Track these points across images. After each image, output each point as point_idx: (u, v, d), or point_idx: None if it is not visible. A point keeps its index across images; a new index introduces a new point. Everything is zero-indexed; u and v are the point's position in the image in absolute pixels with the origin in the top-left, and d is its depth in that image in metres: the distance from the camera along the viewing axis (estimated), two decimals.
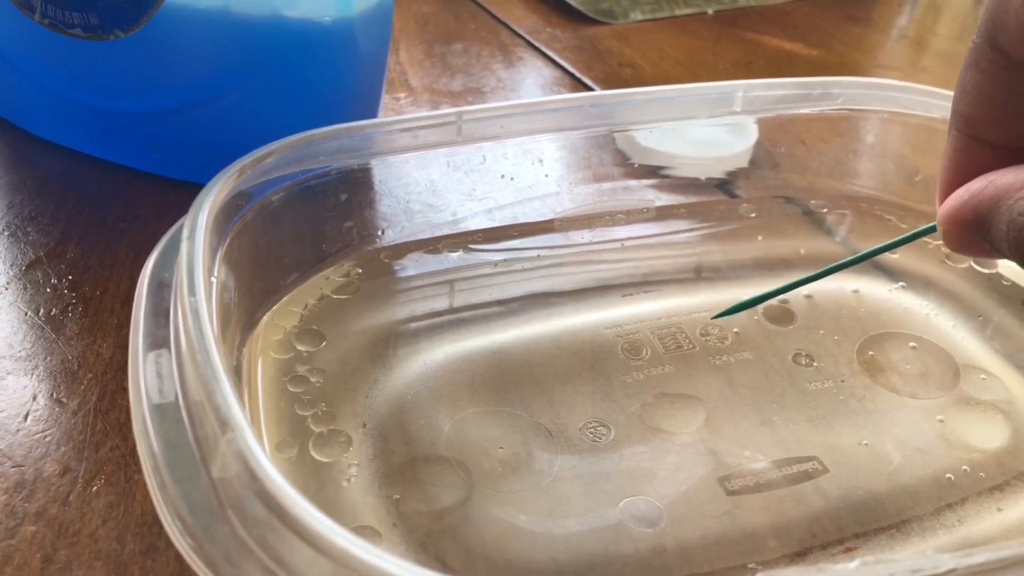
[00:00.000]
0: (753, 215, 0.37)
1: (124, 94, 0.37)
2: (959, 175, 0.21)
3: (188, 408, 0.20)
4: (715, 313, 0.29)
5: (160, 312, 0.24)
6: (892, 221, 0.37)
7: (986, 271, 0.34)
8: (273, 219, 0.29)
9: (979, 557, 0.18)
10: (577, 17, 0.61)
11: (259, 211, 0.28)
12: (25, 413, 0.27)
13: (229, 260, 0.27)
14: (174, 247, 0.26)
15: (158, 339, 0.23)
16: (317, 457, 0.25)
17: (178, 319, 0.22)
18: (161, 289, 0.25)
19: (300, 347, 0.29)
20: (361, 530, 0.23)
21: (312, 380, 0.28)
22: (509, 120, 0.32)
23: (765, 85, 0.35)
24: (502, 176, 0.35)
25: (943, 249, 0.35)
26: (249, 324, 0.28)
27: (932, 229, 0.23)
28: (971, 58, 0.20)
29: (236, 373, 0.26)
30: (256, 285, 0.29)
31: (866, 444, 0.27)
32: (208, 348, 0.20)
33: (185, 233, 0.24)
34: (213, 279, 0.24)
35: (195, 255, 0.23)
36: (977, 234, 0.20)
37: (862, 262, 0.26)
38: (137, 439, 0.20)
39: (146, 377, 0.21)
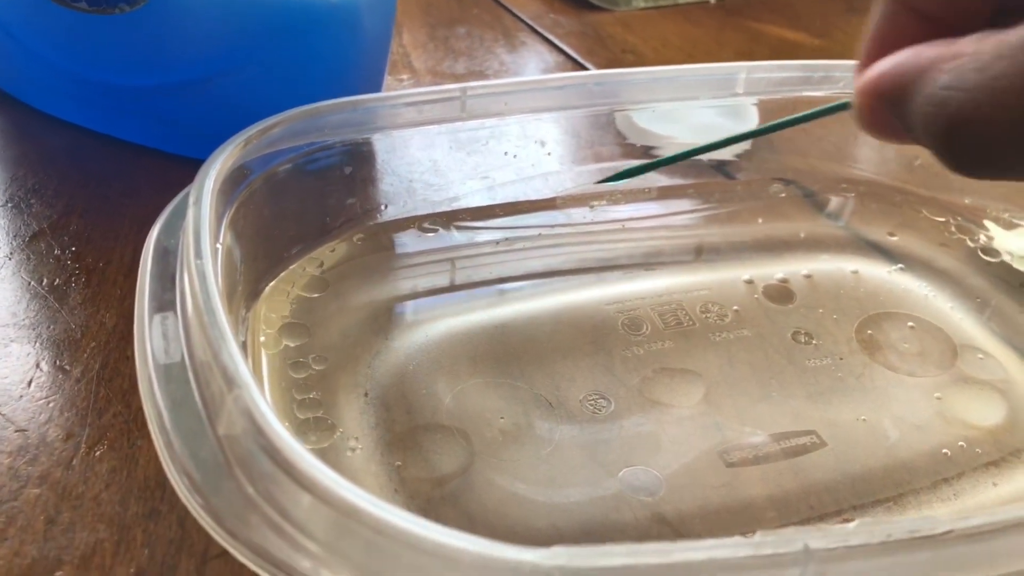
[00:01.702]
0: (753, 197, 0.37)
1: (128, 69, 0.37)
2: (885, 46, 0.19)
3: (194, 368, 0.20)
4: None
5: (166, 277, 0.24)
6: (891, 205, 0.37)
7: (991, 260, 0.34)
8: (278, 191, 0.29)
9: (975, 520, 0.18)
10: (580, 3, 0.61)
11: (264, 182, 0.29)
12: (29, 380, 0.28)
13: (234, 229, 0.27)
14: (179, 216, 0.26)
15: (164, 302, 0.23)
16: (317, 426, 0.25)
17: (184, 282, 0.22)
18: (166, 255, 0.25)
19: (302, 318, 0.29)
20: None
21: (314, 350, 0.28)
22: (513, 97, 0.32)
23: (768, 67, 0.35)
24: (504, 153, 0.35)
25: (943, 232, 0.35)
26: (253, 294, 0.29)
27: (846, 106, 0.21)
28: None
29: (239, 340, 0.27)
30: (260, 255, 0.29)
31: (864, 420, 0.27)
32: (214, 309, 0.20)
33: (192, 199, 0.24)
34: (218, 245, 0.25)
35: (201, 220, 0.23)
36: (892, 110, 0.18)
37: (760, 135, 0.25)
38: (143, 399, 0.21)
39: (152, 338, 0.22)
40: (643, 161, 0.26)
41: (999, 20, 0.18)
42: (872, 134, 0.19)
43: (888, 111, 0.18)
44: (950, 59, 0.17)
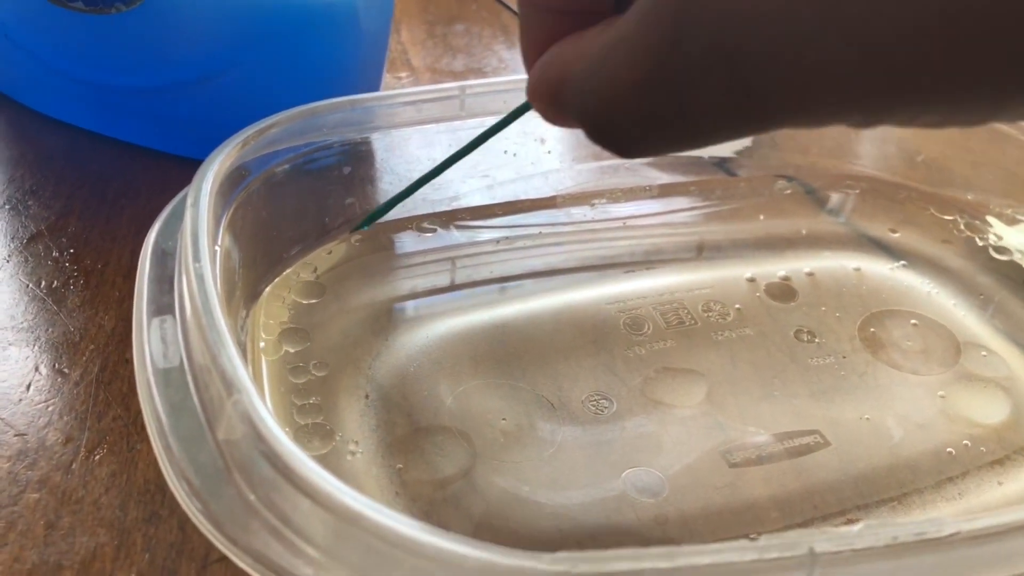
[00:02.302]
0: (755, 194, 0.37)
1: (125, 69, 0.36)
2: (535, 45, 0.19)
3: (193, 372, 0.20)
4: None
5: (164, 280, 0.24)
6: (894, 201, 0.37)
7: (994, 256, 0.34)
8: (276, 191, 0.29)
9: (982, 522, 0.18)
10: None
11: (262, 183, 0.28)
12: (27, 383, 0.27)
13: (233, 230, 0.27)
14: (177, 218, 0.26)
15: (162, 306, 0.23)
16: (318, 429, 0.25)
17: (182, 285, 0.22)
18: (164, 258, 0.25)
19: (301, 321, 0.29)
20: None
21: (313, 352, 0.28)
22: (512, 95, 0.32)
23: None
24: (504, 152, 0.35)
25: (945, 229, 0.35)
26: (252, 296, 0.28)
27: (529, 106, 0.21)
28: None
29: (239, 344, 0.26)
30: (259, 257, 0.29)
31: (867, 419, 0.27)
32: (213, 312, 0.20)
33: (189, 201, 0.24)
34: (217, 247, 0.24)
35: (199, 222, 0.23)
36: (557, 110, 0.18)
37: (478, 145, 0.26)
38: (142, 403, 0.20)
39: (150, 342, 0.21)
40: (381, 204, 0.27)
41: None
42: (563, 127, 0.20)
43: (556, 111, 0.19)
44: (577, 60, 0.17)
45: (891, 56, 0.12)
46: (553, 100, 0.18)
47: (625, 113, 0.16)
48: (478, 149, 0.36)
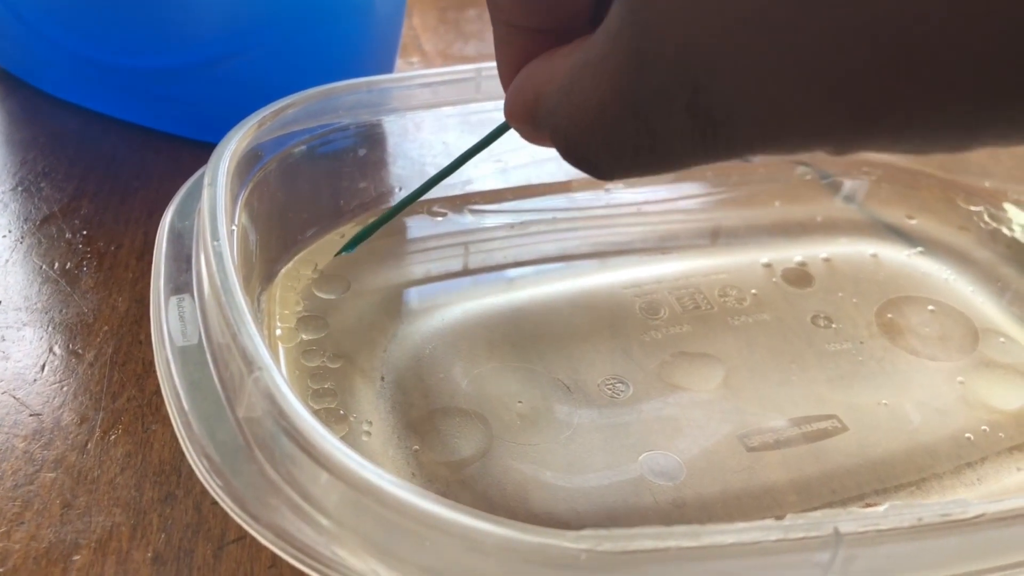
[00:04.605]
0: (770, 180, 0.37)
1: (139, 51, 0.36)
2: (511, 63, 0.19)
3: (212, 350, 0.20)
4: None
5: (181, 259, 0.23)
6: (910, 188, 0.37)
7: (1012, 242, 0.34)
8: (292, 173, 0.29)
9: (1007, 504, 0.18)
10: None
11: (278, 164, 0.28)
12: (42, 364, 0.27)
13: (249, 211, 0.26)
14: (193, 198, 0.26)
15: (180, 284, 0.22)
16: (332, 414, 0.25)
17: (200, 264, 0.22)
18: (181, 238, 0.24)
19: (316, 304, 0.29)
20: None
21: (329, 334, 0.28)
22: None
23: None
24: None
25: (962, 215, 0.35)
26: (268, 276, 0.28)
27: (508, 126, 0.21)
28: None
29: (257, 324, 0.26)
30: (275, 238, 0.29)
31: (885, 404, 0.27)
32: (232, 290, 0.20)
33: (207, 180, 0.24)
34: (233, 227, 0.24)
35: (217, 201, 0.23)
36: (533, 130, 0.18)
37: (452, 171, 0.25)
38: (161, 381, 0.20)
39: (168, 321, 0.21)
40: (363, 227, 0.26)
41: (600, 12, 0.18)
42: (541, 146, 0.19)
43: (531, 131, 0.18)
44: (549, 80, 0.17)
45: (855, 93, 0.12)
46: (528, 120, 0.18)
47: (594, 137, 0.15)
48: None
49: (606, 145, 0.15)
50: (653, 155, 0.15)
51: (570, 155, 0.17)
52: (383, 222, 0.26)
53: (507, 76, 0.19)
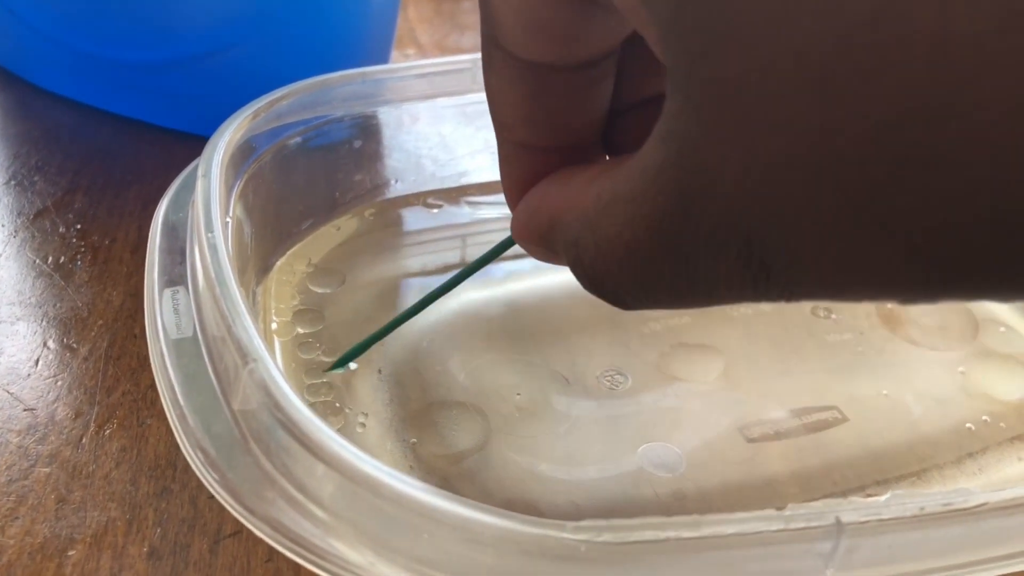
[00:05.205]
0: None
1: (132, 44, 0.36)
2: (518, 182, 0.18)
3: (207, 343, 0.20)
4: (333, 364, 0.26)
5: (175, 252, 0.23)
6: None
7: None
8: (287, 165, 0.29)
9: (1009, 493, 0.18)
10: None
11: (273, 156, 0.28)
12: (36, 358, 0.27)
13: (244, 203, 0.26)
14: (187, 191, 0.26)
15: (174, 277, 0.22)
16: (328, 407, 0.25)
17: (195, 256, 0.22)
18: (175, 231, 0.24)
19: (312, 297, 0.29)
20: None
21: (325, 327, 0.27)
22: None
23: None
24: None
25: None
26: (263, 269, 0.28)
27: (512, 242, 0.20)
28: (485, 60, 0.17)
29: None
30: (269, 230, 0.29)
31: (886, 394, 0.27)
32: (227, 282, 0.20)
33: (200, 171, 0.23)
34: (228, 220, 0.24)
35: (211, 192, 0.23)
36: (546, 254, 0.18)
37: (458, 283, 0.24)
38: (155, 374, 0.20)
39: (163, 313, 0.21)
40: (354, 345, 0.25)
41: (616, 126, 0.18)
42: (550, 263, 0.18)
43: (544, 255, 0.18)
44: (567, 209, 0.16)
45: (945, 252, 0.11)
46: (541, 244, 0.17)
47: (623, 274, 0.14)
48: (487, 126, 0.35)
49: (637, 284, 0.14)
50: (691, 295, 0.14)
51: (592, 288, 0.16)
52: (374, 341, 0.25)
53: (514, 195, 0.18)
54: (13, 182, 0.35)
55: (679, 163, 0.12)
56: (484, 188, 0.34)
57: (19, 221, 0.33)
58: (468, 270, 0.24)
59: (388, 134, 0.33)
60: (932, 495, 0.17)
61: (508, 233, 0.19)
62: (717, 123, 0.12)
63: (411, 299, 0.29)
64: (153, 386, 0.26)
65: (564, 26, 0.15)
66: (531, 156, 0.17)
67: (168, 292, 0.22)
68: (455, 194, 0.34)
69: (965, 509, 0.17)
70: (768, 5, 0.11)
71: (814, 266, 0.12)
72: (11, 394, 0.26)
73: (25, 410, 0.26)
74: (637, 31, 0.14)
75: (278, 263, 0.29)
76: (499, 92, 0.17)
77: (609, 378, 0.27)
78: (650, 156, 0.13)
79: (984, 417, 0.26)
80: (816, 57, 0.10)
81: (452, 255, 0.32)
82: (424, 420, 0.25)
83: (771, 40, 0.11)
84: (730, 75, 0.11)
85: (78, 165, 0.36)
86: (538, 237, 0.17)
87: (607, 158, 0.19)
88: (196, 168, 0.25)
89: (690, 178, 0.12)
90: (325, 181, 0.31)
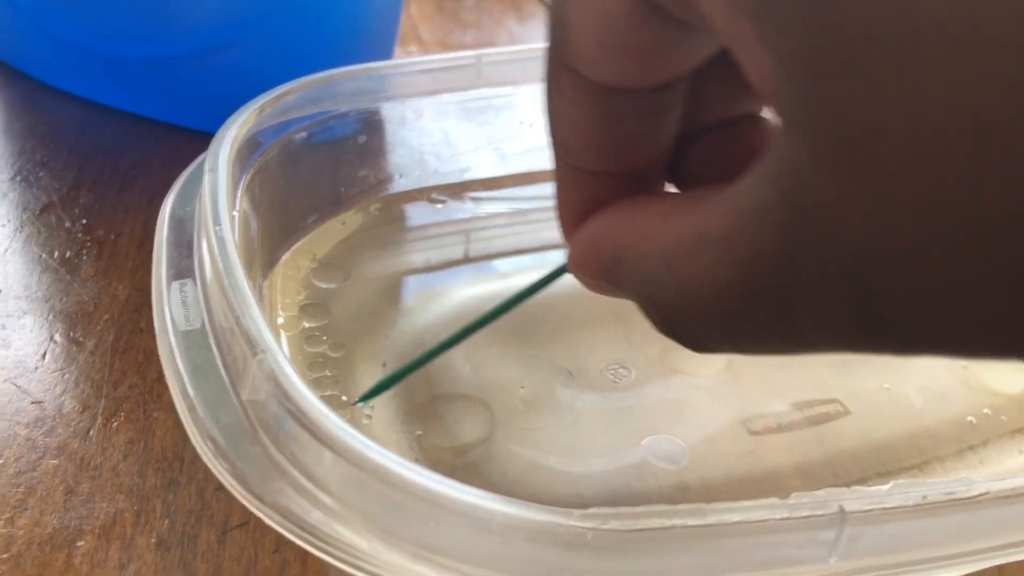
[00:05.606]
0: None
1: (136, 41, 0.36)
2: (575, 209, 0.17)
3: (215, 334, 0.20)
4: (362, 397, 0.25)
5: (182, 245, 0.23)
6: None
7: None
8: (292, 160, 0.29)
9: (1011, 482, 0.18)
10: None
11: (279, 151, 0.28)
12: (43, 352, 0.27)
13: (250, 197, 0.26)
14: (193, 185, 0.26)
15: (182, 269, 0.22)
16: (334, 400, 0.25)
17: (203, 248, 0.22)
18: (181, 224, 0.24)
19: (318, 292, 0.29)
20: None
21: (331, 321, 0.28)
22: (528, 64, 0.31)
23: None
24: (520, 122, 0.35)
25: None
26: (269, 263, 0.28)
27: (565, 270, 0.19)
28: (551, 81, 0.16)
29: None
30: (275, 224, 0.29)
31: (887, 388, 0.27)
32: (235, 274, 0.20)
33: (207, 165, 0.24)
34: (235, 213, 0.24)
35: (218, 186, 0.23)
36: (607, 287, 0.16)
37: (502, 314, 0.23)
38: (164, 366, 0.20)
39: (171, 306, 0.21)
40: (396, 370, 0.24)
41: (681, 153, 0.17)
42: (609, 295, 0.17)
43: (606, 289, 0.17)
44: (639, 244, 0.15)
45: None
46: (604, 277, 0.16)
47: (708, 319, 0.13)
48: (492, 123, 0.36)
49: (722, 330, 0.13)
50: (786, 344, 0.13)
51: (665, 328, 0.15)
52: (403, 375, 0.24)
53: (570, 221, 0.17)
54: (19, 178, 0.35)
55: (787, 203, 0.11)
56: (487, 183, 0.35)
57: (25, 216, 0.33)
58: (513, 300, 0.23)
59: (392, 130, 0.33)
60: (934, 484, 0.18)
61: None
62: (845, 168, 0.11)
63: (415, 293, 0.30)
64: (159, 379, 0.27)
65: (647, 48, 0.14)
66: (591, 181, 0.16)
67: (176, 284, 0.22)
68: (458, 189, 0.34)
69: (967, 498, 0.18)
70: (924, 47, 0.09)
71: (939, 319, 0.11)
72: (19, 387, 0.26)
73: (33, 403, 0.26)
74: (737, 60, 0.13)
75: (283, 258, 0.29)
76: (564, 115, 0.16)
77: (613, 371, 0.27)
78: (749, 196, 0.12)
79: (985, 410, 0.26)
80: (978, 105, 0.09)
81: (456, 250, 0.32)
82: (429, 413, 0.25)
83: (925, 85, 0.10)
84: (871, 119, 0.10)
85: (83, 160, 0.36)
86: (601, 271, 0.16)
87: (667, 187, 0.18)
88: (202, 163, 0.25)
89: (799, 221, 0.11)
90: (330, 176, 0.31)
